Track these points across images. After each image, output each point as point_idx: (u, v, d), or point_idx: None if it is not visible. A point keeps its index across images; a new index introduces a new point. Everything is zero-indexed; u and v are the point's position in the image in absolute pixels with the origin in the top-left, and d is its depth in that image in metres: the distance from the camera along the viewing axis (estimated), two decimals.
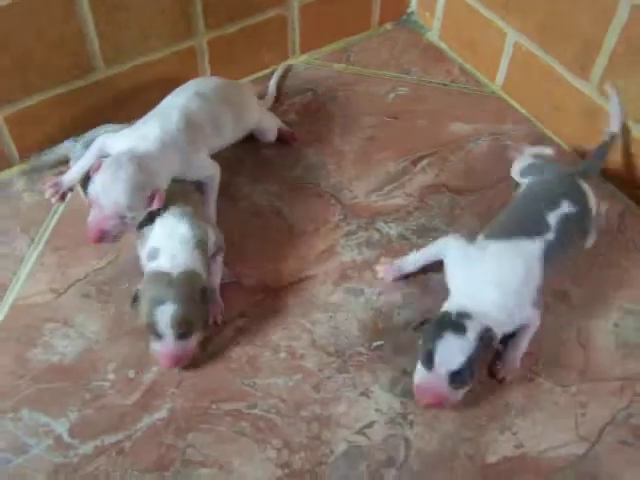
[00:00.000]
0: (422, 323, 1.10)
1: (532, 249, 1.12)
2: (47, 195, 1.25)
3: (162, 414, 1.08)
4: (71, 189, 1.26)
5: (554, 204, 1.17)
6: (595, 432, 1.07)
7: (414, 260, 1.23)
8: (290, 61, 1.61)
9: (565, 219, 1.16)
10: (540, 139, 1.47)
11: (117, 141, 1.19)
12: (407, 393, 1.11)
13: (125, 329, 1.17)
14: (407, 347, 1.15)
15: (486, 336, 1.05)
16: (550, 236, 1.14)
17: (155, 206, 1.14)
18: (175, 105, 1.24)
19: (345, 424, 1.08)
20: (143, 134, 1.18)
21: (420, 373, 1.06)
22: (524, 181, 1.27)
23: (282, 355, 1.15)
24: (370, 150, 1.44)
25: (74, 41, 1.28)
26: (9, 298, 1.20)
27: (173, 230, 1.14)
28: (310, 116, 1.50)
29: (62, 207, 1.32)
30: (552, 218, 1.15)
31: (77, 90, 1.35)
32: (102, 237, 1.13)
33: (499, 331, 1.08)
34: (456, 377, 1.03)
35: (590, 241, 1.24)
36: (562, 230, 1.15)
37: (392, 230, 1.31)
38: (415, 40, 1.70)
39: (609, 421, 1.08)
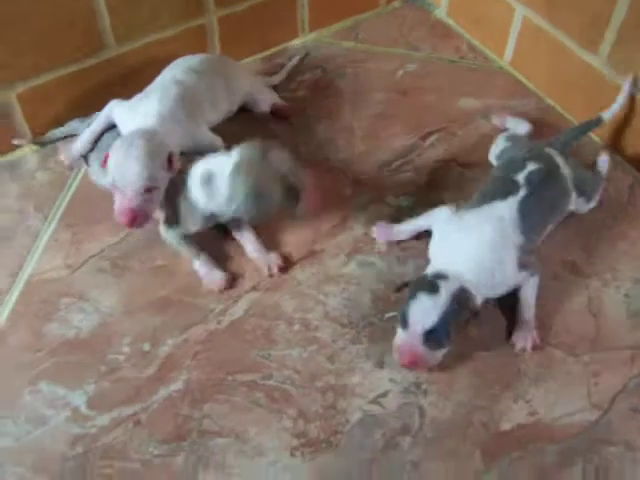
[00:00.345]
0: (402, 286, 1.12)
1: (505, 208, 1.15)
2: (62, 157, 1.31)
3: (178, 386, 1.10)
4: (84, 156, 1.29)
5: (520, 167, 1.20)
6: (607, 400, 1.08)
7: (408, 227, 1.26)
8: (299, 39, 1.62)
9: (533, 175, 1.18)
10: (549, 113, 1.48)
11: (122, 113, 1.23)
12: None
13: (140, 303, 1.18)
14: None
15: (461, 297, 1.06)
16: (522, 192, 1.16)
17: (175, 168, 1.16)
18: (173, 80, 1.25)
19: (360, 394, 1.09)
20: (144, 111, 1.20)
21: (399, 334, 1.08)
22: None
23: (296, 327, 1.16)
24: (380, 126, 1.45)
25: (85, 18, 1.29)
26: (24, 274, 1.21)
27: None
28: (320, 93, 1.50)
29: (75, 185, 1.33)
30: (520, 177, 1.18)
31: (89, 68, 1.36)
32: (135, 217, 1.13)
33: (479, 293, 1.09)
34: (430, 336, 1.04)
35: (586, 205, 1.26)
36: (533, 184, 1.17)
37: (402, 204, 1.31)
38: (423, 17, 1.70)
39: (621, 389, 1.10)
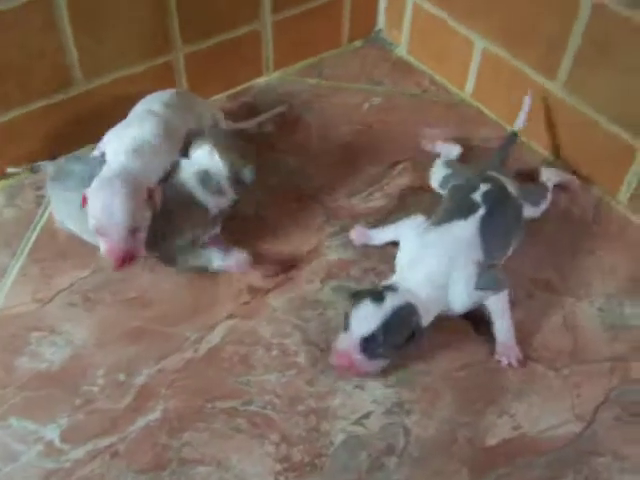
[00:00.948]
0: (356, 293, 1.13)
1: (465, 227, 1.17)
2: None
3: (155, 415, 1.07)
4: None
5: (474, 188, 1.23)
6: (590, 411, 1.08)
7: (382, 234, 1.28)
8: (264, 77, 1.64)
9: (489, 194, 1.21)
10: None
11: (110, 135, 1.23)
12: (401, 383, 1.11)
13: (113, 335, 1.16)
14: None
15: (405, 312, 1.07)
16: (482, 210, 1.18)
17: (158, 202, 1.16)
18: (150, 113, 1.25)
19: (342, 415, 1.07)
20: (131, 136, 1.20)
21: (340, 336, 1.09)
22: (444, 191, 1.32)
23: (274, 352, 1.14)
24: (348, 157, 1.46)
25: (54, 52, 1.29)
26: None
27: None
28: (287, 127, 1.52)
29: (43, 221, 1.31)
30: (477, 196, 1.21)
31: (57, 104, 1.35)
32: (124, 259, 1.12)
33: (430, 313, 1.10)
34: (366, 343, 1.05)
35: (535, 211, 1.30)
36: (490, 203, 1.19)
37: None
38: (384, 56, 1.73)
39: (603, 400, 1.10)
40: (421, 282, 1.11)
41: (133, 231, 1.12)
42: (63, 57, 1.31)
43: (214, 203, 1.22)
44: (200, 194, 1.20)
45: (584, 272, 1.27)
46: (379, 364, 1.09)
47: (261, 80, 1.64)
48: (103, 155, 1.20)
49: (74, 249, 1.26)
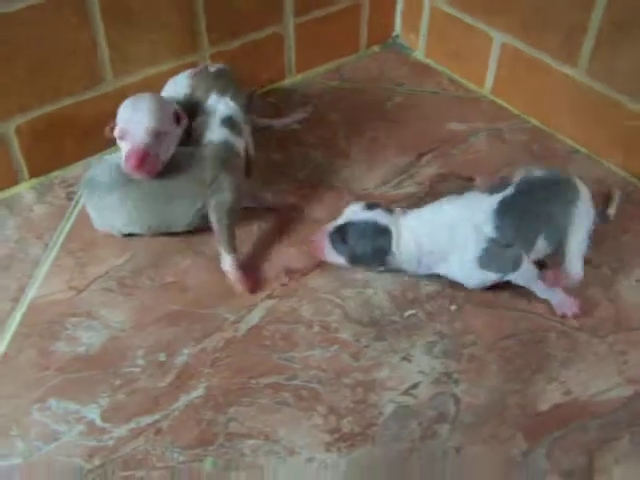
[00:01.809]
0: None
1: (483, 201, 1.14)
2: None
3: (199, 392, 1.05)
4: None
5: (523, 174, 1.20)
6: None
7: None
8: (287, 81, 1.66)
9: (528, 179, 1.16)
10: (535, 133, 1.52)
11: None
12: (447, 354, 1.10)
13: (152, 318, 1.14)
14: (439, 313, 1.15)
15: (379, 230, 1.12)
16: (509, 191, 1.14)
17: (182, 123, 1.23)
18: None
19: (390, 387, 1.06)
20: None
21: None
22: None
23: (316, 329, 1.13)
24: (375, 149, 1.47)
25: (86, 49, 1.30)
26: (27, 298, 1.17)
27: None
28: (313, 125, 1.53)
29: (75, 214, 1.31)
30: (515, 179, 1.18)
31: (86, 101, 1.36)
32: (144, 156, 1.15)
33: (409, 254, 1.12)
34: (334, 234, 1.15)
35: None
36: (523, 185, 1.15)
37: None
38: (402, 59, 1.76)
39: None
40: (412, 225, 1.13)
41: (157, 135, 1.17)
42: (95, 54, 1.32)
43: (241, 145, 1.29)
44: (232, 139, 1.26)
45: (619, 247, 1.27)
46: (338, 259, 1.16)
47: (284, 82, 1.66)
48: None
49: (108, 239, 1.26)
